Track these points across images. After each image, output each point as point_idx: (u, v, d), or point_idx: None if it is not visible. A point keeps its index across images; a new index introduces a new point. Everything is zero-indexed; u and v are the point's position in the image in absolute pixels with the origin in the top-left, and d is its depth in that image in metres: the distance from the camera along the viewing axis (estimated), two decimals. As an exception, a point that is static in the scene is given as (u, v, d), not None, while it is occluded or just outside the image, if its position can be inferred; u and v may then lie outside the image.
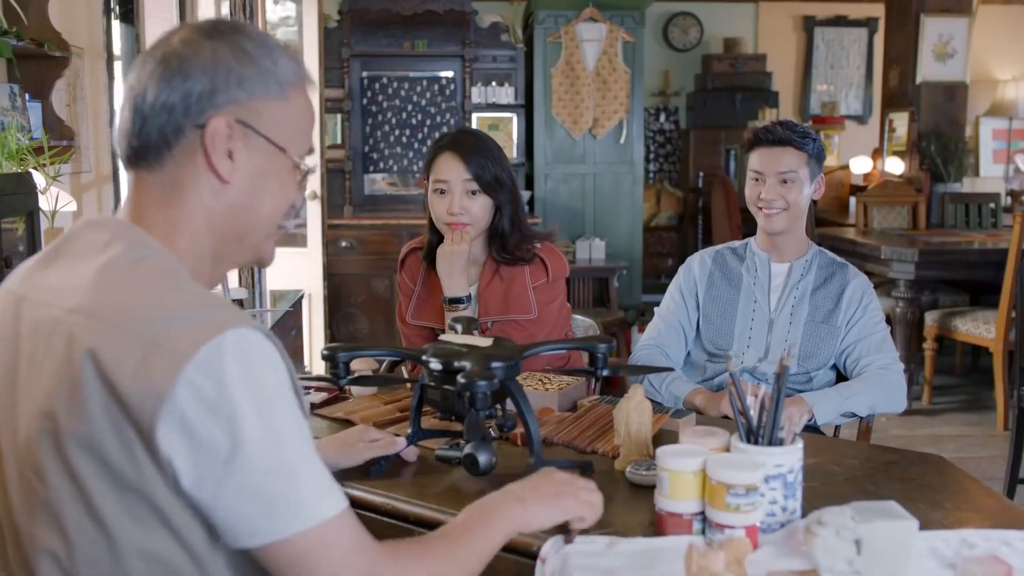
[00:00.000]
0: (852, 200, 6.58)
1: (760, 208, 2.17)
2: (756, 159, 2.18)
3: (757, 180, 2.17)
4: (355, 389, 1.93)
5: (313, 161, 1.20)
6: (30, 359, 0.95)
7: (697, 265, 2.29)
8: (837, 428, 2.22)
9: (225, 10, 4.08)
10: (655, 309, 2.34)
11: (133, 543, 0.90)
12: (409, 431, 1.56)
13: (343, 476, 1.49)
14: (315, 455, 0.95)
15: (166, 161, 1.00)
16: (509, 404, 1.49)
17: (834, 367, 2.20)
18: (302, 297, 3.87)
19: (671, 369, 2.16)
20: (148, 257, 0.97)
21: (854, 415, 2.07)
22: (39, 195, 2.37)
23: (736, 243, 2.32)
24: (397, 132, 5.71)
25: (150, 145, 1.00)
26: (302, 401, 0.99)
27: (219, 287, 2.78)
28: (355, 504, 1.43)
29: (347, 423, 1.77)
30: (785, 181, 2.14)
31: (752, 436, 1.30)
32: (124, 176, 3.74)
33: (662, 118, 8.44)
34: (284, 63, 1.04)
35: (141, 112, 0.99)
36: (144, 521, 0.90)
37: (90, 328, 0.90)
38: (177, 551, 0.91)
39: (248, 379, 0.89)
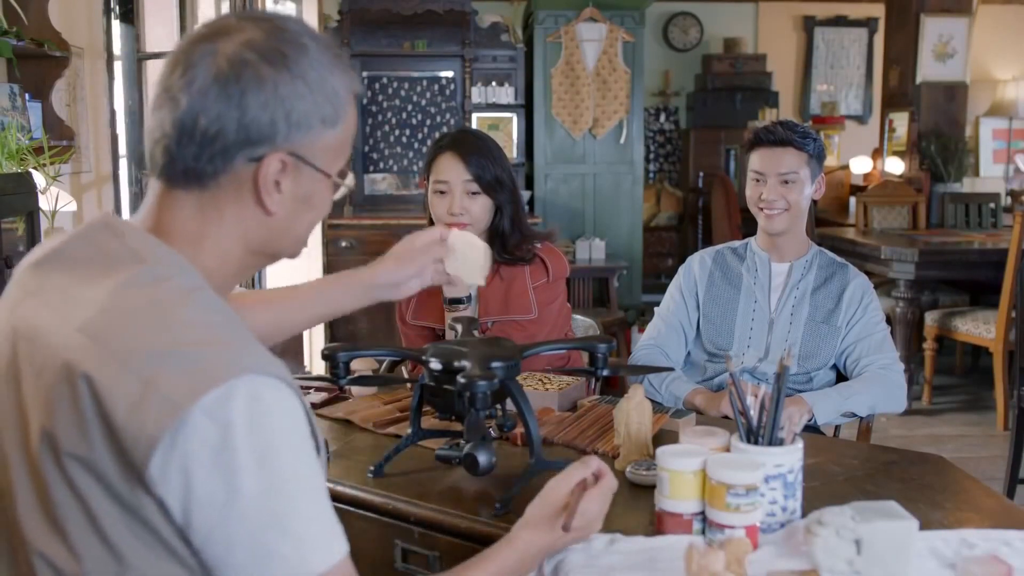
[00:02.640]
0: (852, 200, 6.58)
1: (761, 208, 2.17)
2: (757, 159, 2.18)
3: (758, 180, 2.17)
4: (355, 389, 1.93)
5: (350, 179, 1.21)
6: (31, 362, 0.93)
7: (697, 265, 2.29)
8: (837, 428, 2.22)
9: (225, 10, 4.08)
10: (655, 309, 2.34)
11: (143, 567, 0.88)
12: (409, 431, 1.56)
13: (344, 476, 1.49)
14: (319, 503, 0.91)
15: (209, 184, 0.96)
16: (509, 404, 1.49)
17: (834, 367, 2.20)
18: (302, 297, 3.86)
19: (671, 369, 2.16)
20: (170, 276, 0.93)
21: (854, 415, 2.07)
22: (39, 195, 2.37)
23: (736, 243, 2.32)
24: (397, 132, 5.71)
25: (195, 170, 0.96)
26: (316, 437, 0.95)
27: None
28: (355, 504, 1.44)
29: (347, 423, 1.77)
30: (786, 182, 2.14)
31: (752, 436, 1.30)
32: (124, 176, 3.75)
33: (662, 118, 8.44)
34: (339, 80, 0.99)
35: (190, 134, 0.94)
36: (151, 545, 0.88)
37: (91, 353, 0.87)
38: None
39: (255, 427, 0.86)
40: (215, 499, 0.85)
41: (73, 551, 0.88)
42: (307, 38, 0.98)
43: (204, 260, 0.98)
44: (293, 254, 1.07)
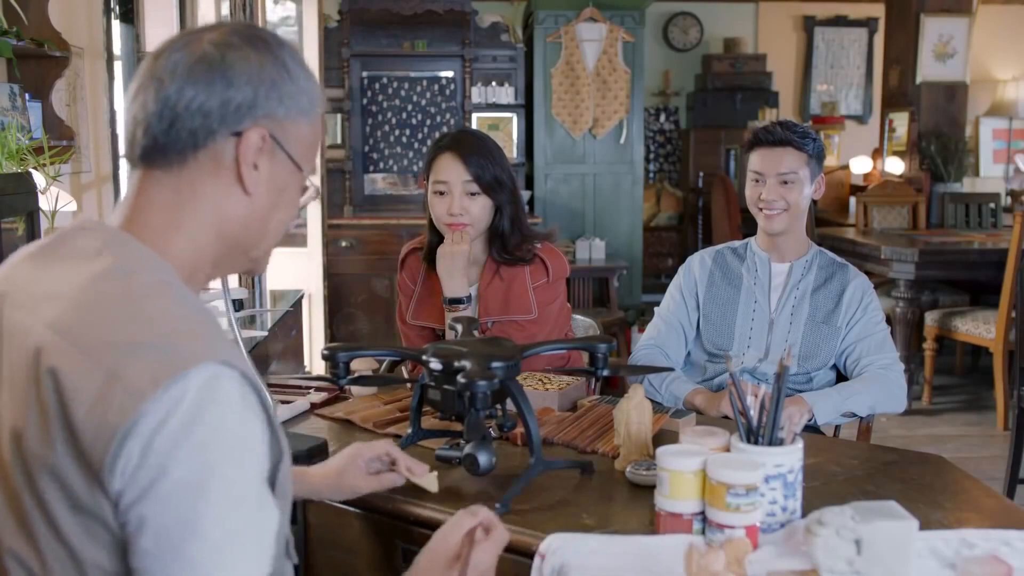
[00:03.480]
0: (852, 200, 6.58)
1: (761, 209, 2.17)
2: (756, 160, 2.18)
3: (757, 181, 2.17)
4: (355, 389, 1.93)
5: (315, 179, 1.20)
6: (9, 365, 0.92)
7: (697, 265, 2.29)
8: (837, 428, 2.22)
9: (225, 10, 4.08)
10: (655, 309, 2.34)
11: (101, 569, 0.87)
12: (409, 431, 1.56)
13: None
14: (250, 517, 0.87)
15: (188, 162, 0.97)
16: (509, 404, 1.49)
17: (834, 367, 2.20)
18: (302, 297, 3.87)
19: (671, 369, 2.16)
20: (138, 271, 0.93)
21: (854, 415, 2.07)
22: (39, 195, 2.36)
23: (736, 243, 2.32)
24: (397, 132, 5.71)
25: (176, 145, 0.96)
26: (280, 443, 0.94)
27: (219, 287, 2.78)
28: (355, 504, 1.44)
29: (347, 423, 1.77)
30: (785, 182, 2.14)
31: (752, 436, 1.30)
32: (124, 176, 3.74)
33: (662, 118, 8.44)
34: (313, 82, 1.04)
35: (173, 109, 0.96)
36: (109, 549, 0.87)
37: (58, 347, 0.87)
38: None
39: (200, 413, 0.83)
40: (143, 476, 0.83)
41: (38, 550, 0.88)
42: (287, 42, 1.03)
43: (178, 252, 0.98)
44: (260, 260, 1.07)
